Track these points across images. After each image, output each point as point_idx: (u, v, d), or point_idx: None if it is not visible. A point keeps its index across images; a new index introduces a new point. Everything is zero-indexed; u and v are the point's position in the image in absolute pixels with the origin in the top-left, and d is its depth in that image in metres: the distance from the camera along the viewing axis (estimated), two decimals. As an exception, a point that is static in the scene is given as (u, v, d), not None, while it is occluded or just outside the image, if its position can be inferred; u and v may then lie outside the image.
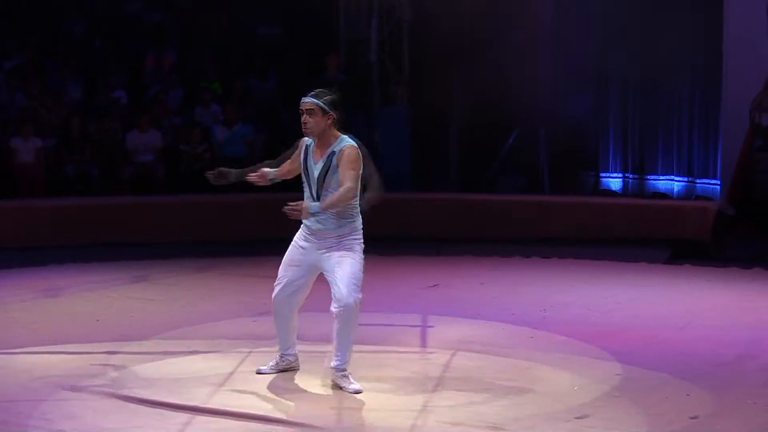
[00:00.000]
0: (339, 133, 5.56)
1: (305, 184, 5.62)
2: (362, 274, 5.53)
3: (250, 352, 6.36)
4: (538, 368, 6.05)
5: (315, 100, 5.48)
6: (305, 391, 5.61)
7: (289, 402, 5.39)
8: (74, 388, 5.59)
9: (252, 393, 5.51)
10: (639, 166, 12.23)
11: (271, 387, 5.64)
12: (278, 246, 11.20)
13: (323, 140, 5.53)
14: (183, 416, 5.11)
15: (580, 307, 7.94)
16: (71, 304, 7.99)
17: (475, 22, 11.69)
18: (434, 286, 8.67)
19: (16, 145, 11.56)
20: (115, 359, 6.20)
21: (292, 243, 5.74)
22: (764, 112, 11.01)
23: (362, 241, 5.59)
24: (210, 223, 10.98)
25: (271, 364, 5.88)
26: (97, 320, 7.35)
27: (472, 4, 11.47)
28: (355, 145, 5.53)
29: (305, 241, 5.66)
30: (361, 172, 5.52)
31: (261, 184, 5.86)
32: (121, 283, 8.81)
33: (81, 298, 8.22)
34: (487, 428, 4.96)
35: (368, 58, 12.75)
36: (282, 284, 5.74)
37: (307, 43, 13.16)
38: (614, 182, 12.51)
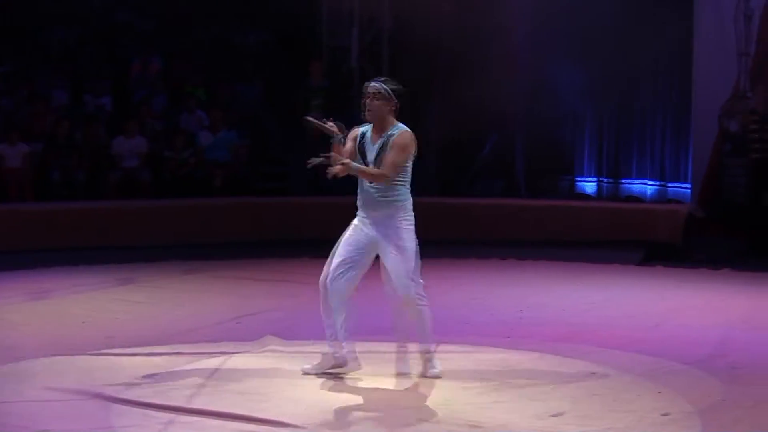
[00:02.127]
0: (396, 122, 5.76)
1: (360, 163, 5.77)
2: (414, 262, 5.71)
3: (233, 353, 6.41)
4: (514, 367, 6.14)
5: (382, 85, 5.72)
6: (289, 390, 5.65)
7: (271, 402, 5.41)
8: (59, 389, 5.63)
9: (234, 393, 5.55)
10: (613, 171, 12.43)
11: (254, 387, 5.68)
12: (263, 249, 11.35)
13: (381, 126, 5.73)
14: (166, 416, 5.13)
15: (555, 307, 8.08)
16: (58, 306, 8.05)
17: (454, 31, 11.87)
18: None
19: (3, 151, 11.66)
20: (100, 360, 6.25)
21: (350, 226, 5.85)
22: (732, 119, 11.24)
23: (412, 222, 5.76)
24: (195, 226, 11.13)
25: (315, 363, 5.89)
26: (84, 322, 7.41)
27: (451, 13, 11.65)
28: (410, 132, 5.73)
29: (362, 223, 5.80)
30: (411, 159, 5.72)
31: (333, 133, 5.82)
32: (107, 286, 8.89)
33: (68, 300, 8.29)
34: (465, 426, 5.02)
35: (349, 65, 12.93)
36: (337, 264, 5.73)
37: (291, 51, 13.32)
38: (589, 186, 12.71)
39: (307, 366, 5.91)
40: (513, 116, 12.52)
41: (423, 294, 5.80)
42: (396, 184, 5.73)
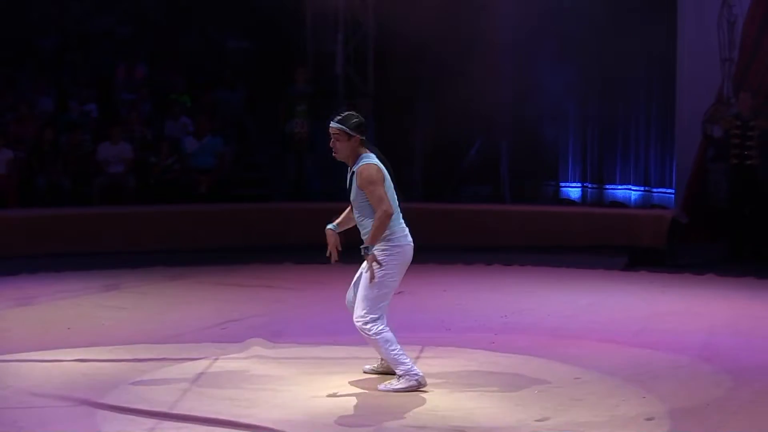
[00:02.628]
0: (363, 152, 5.75)
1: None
2: (380, 291, 5.67)
3: (217, 358, 6.42)
4: (499, 372, 6.16)
5: (339, 126, 5.70)
6: (276, 396, 5.66)
7: (257, 407, 5.43)
8: (44, 395, 5.63)
9: (219, 398, 5.57)
10: (597, 176, 12.51)
11: (239, 392, 5.70)
12: (247, 255, 11.33)
13: (351, 160, 5.76)
14: (151, 422, 5.15)
15: (540, 312, 8.11)
16: (43, 312, 8.04)
17: (439, 36, 11.92)
18: (399, 293, 8.80)
19: (-12, 158, 11.67)
20: (85, 366, 6.24)
21: None
22: (716, 124, 11.31)
23: (391, 253, 5.70)
24: (180, 232, 11.12)
25: (375, 365, 6.03)
26: (69, 328, 7.41)
27: (435, 18, 11.71)
28: (370, 163, 5.70)
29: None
30: (384, 183, 5.68)
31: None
32: (92, 292, 8.87)
33: (53, 306, 8.28)
34: (450, 430, 5.05)
35: (334, 72, 12.96)
36: (351, 286, 5.93)
37: (276, 57, 13.34)
38: (573, 191, 12.78)
39: (368, 366, 6.05)
40: (498, 121, 12.58)
41: (376, 329, 5.69)
42: (374, 213, 5.71)
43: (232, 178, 12.79)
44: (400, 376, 5.76)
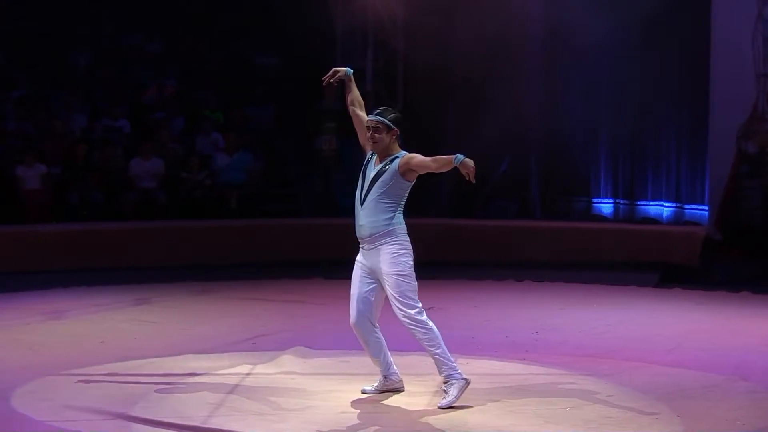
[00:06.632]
0: (399, 149, 5.88)
1: (358, 186, 5.91)
2: (413, 282, 5.75)
3: (248, 373, 6.44)
4: (529, 389, 6.14)
5: (380, 118, 5.83)
6: (305, 410, 5.66)
7: (286, 422, 5.42)
8: (78, 408, 5.67)
9: (250, 413, 5.57)
10: (629, 192, 12.44)
11: (270, 407, 5.70)
12: (276, 270, 11.36)
13: (385, 154, 5.86)
14: None
15: (571, 329, 8.06)
16: (75, 326, 8.11)
17: (467, 52, 11.94)
18: (429, 308, 8.79)
19: (21, 173, 11.78)
20: (118, 380, 6.28)
21: (355, 263, 5.97)
22: (750, 140, 11.22)
23: (404, 246, 5.78)
24: (210, 247, 11.19)
25: (375, 385, 6.01)
26: (102, 342, 7.46)
27: (464, 37, 11.72)
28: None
29: (360, 254, 5.92)
30: (408, 186, 5.80)
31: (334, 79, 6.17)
32: (123, 306, 8.93)
33: (85, 320, 8.34)
34: None
35: (363, 88, 12.98)
36: (352, 304, 5.91)
37: (305, 73, 13.40)
38: (606, 207, 12.71)
39: (368, 387, 6.01)
40: (528, 137, 12.53)
41: (419, 318, 5.76)
42: (389, 210, 5.78)
43: (262, 193, 12.86)
44: (449, 384, 5.74)
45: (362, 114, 6.07)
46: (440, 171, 5.79)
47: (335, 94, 12.89)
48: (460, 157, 5.60)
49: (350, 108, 6.14)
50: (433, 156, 5.76)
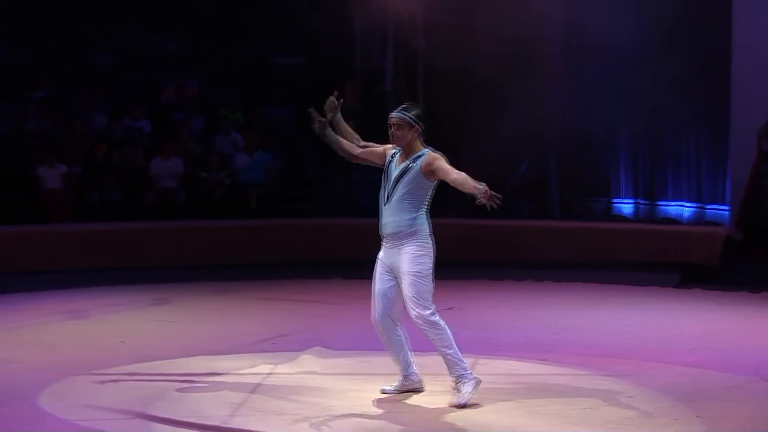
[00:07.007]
0: (422, 146, 5.87)
1: (382, 185, 5.92)
2: (430, 284, 5.75)
3: (269, 373, 6.45)
4: (549, 390, 6.13)
5: (402, 114, 5.83)
6: (325, 410, 5.65)
7: (306, 422, 5.42)
8: (99, 407, 5.70)
9: (269, 413, 5.59)
10: (650, 193, 12.38)
11: (290, 407, 5.71)
12: (295, 270, 11.39)
13: (408, 151, 5.85)
14: None
15: (591, 329, 8.05)
16: (95, 326, 8.17)
17: (487, 52, 11.92)
18: (448, 309, 8.80)
19: (43, 173, 11.87)
20: (137, 379, 6.31)
21: (377, 260, 5.96)
22: (770, 140, 11.17)
23: (427, 247, 5.78)
24: (229, 247, 11.22)
25: (395, 385, 6.00)
26: (123, 342, 7.50)
27: (484, 36, 11.70)
28: (437, 153, 5.83)
29: (382, 251, 5.92)
30: (433, 186, 5.80)
31: (319, 127, 6.17)
32: (143, 306, 8.99)
33: (104, 320, 8.39)
34: None
35: (383, 88, 13.00)
36: (373, 301, 5.91)
37: (325, 74, 13.43)
38: (626, 207, 12.65)
39: (388, 387, 5.99)
40: (548, 137, 12.49)
41: (432, 320, 5.74)
42: (412, 209, 5.79)
43: (281, 193, 12.89)
44: (461, 383, 5.73)
45: (364, 143, 6.07)
46: (456, 187, 5.69)
47: (355, 94, 12.93)
48: (483, 187, 5.54)
49: (357, 153, 6.06)
50: (458, 170, 5.68)
